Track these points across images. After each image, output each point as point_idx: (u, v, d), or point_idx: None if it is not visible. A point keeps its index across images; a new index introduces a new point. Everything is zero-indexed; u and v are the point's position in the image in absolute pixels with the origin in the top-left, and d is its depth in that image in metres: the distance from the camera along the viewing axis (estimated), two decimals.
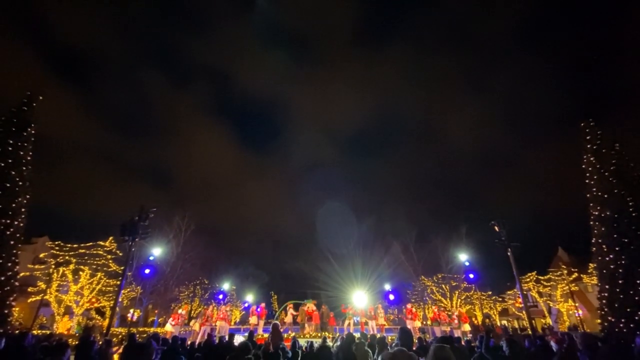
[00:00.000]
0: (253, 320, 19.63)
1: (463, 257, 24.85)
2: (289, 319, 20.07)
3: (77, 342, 9.25)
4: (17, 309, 18.67)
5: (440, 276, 33.45)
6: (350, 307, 20.20)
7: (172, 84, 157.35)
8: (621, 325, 14.27)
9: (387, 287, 30.02)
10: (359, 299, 24.10)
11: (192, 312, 30.34)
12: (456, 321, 19.99)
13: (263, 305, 20.81)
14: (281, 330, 18.72)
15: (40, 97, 16.95)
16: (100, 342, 9.01)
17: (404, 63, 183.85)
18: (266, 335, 14.63)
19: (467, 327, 19.55)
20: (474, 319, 30.57)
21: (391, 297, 25.61)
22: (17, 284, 15.07)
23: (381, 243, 43.90)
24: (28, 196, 15.55)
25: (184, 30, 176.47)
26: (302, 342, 12.21)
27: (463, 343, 10.80)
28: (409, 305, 20.91)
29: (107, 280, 23.56)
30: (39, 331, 19.09)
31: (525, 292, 30.58)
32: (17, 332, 11.31)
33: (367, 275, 47.30)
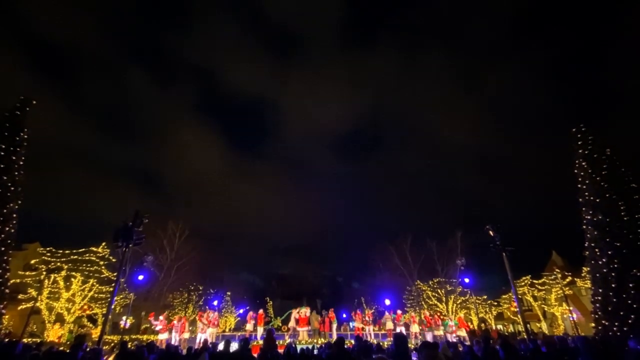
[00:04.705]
0: (249, 327, 19.39)
1: (458, 261, 24.89)
2: (292, 324, 19.67)
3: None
4: (7, 316, 18.30)
5: (436, 281, 33.49)
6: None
7: (158, 84, 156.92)
8: (615, 328, 14.37)
9: (383, 292, 30.01)
10: (357, 304, 23.98)
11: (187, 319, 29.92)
12: (450, 323, 20.00)
13: (261, 311, 20.54)
14: (288, 335, 18.56)
15: (34, 102, 16.82)
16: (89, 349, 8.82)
17: (396, 62, 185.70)
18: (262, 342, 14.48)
19: (463, 333, 19.50)
20: (469, 323, 30.52)
21: (387, 301, 25.57)
22: (7, 291, 14.80)
23: (377, 247, 43.99)
24: (20, 202, 15.34)
25: (169, 27, 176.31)
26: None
27: (460, 348, 10.76)
28: (399, 312, 20.86)
29: (100, 287, 23.19)
30: (29, 339, 18.70)
31: (520, 296, 30.73)
32: (6, 340, 11.07)
33: (363, 280, 47.26)
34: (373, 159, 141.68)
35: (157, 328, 17.12)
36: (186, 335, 18.18)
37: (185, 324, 18.11)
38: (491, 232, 13.77)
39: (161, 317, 17.39)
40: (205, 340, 14.30)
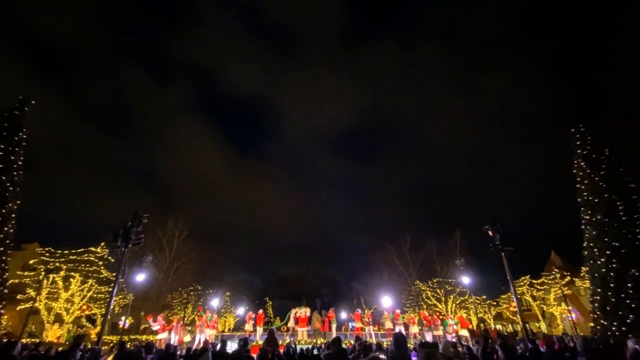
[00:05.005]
0: (248, 327, 19.32)
1: (458, 261, 24.95)
2: (292, 324, 19.62)
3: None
4: (5, 316, 18.26)
5: (435, 281, 33.50)
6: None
7: (158, 84, 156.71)
8: (613, 328, 14.39)
9: (383, 292, 30.03)
10: (356, 304, 23.97)
11: (186, 319, 29.91)
12: (450, 322, 20.00)
13: (261, 311, 20.50)
14: (288, 335, 18.52)
15: (33, 102, 16.80)
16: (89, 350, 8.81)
17: (395, 62, 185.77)
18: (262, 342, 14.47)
19: (465, 333, 19.45)
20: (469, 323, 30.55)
21: (386, 301, 25.51)
22: (6, 291, 14.77)
23: (376, 247, 44.03)
24: (18, 202, 15.31)
25: (169, 27, 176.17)
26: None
27: (460, 349, 10.79)
28: (397, 311, 20.85)
29: (99, 287, 23.13)
30: (28, 340, 18.66)
31: (519, 296, 30.75)
32: (5, 340, 11.05)
33: (363, 280, 47.27)
34: (372, 159, 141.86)
35: (155, 328, 17.11)
36: (187, 338, 18.15)
37: (183, 329, 18.08)
38: (490, 232, 13.80)
39: (159, 317, 17.39)
40: (206, 341, 14.32)
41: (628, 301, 14.35)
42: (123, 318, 23.47)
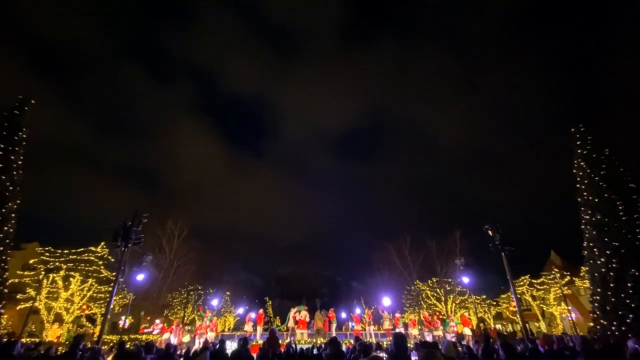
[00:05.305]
0: (248, 327, 19.28)
1: (458, 261, 24.94)
2: (291, 324, 19.62)
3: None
4: (5, 316, 18.24)
5: (435, 280, 33.49)
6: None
7: (158, 84, 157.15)
8: (613, 328, 14.39)
9: (383, 292, 30.04)
10: (355, 304, 23.96)
11: (186, 319, 29.91)
12: (451, 324, 20.00)
13: (261, 311, 20.49)
14: (287, 335, 18.50)
15: (33, 101, 16.81)
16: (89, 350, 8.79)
17: (394, 62, 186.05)
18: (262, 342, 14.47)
19: (467, 331, 19.42)
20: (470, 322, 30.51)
21: (387, 302, 25.51)
22: (6, 290, 14.78)
23: (376, 247, 44.04)
24: (18, 201, 15.32)
25: (168, 27, 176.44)
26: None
27: (460, 348, 10.79)
28: (397, 314, 20.81)
29: (99, 287, 23.13)
30: (28, 339, 18.65)
31: (518, 296, 30.75)
32: (5, 340, 11.06)
33: (363, 280, 47.30)
34: (372, 159, 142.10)
35: (155, 332, 17.18)
36: (186, 338, 18.19)
37: (182, 331, 18.11)
38: (490, 232, 13.80)
39: (157, 321, 17.43)
40: (206, 340, 14.33)
41: (628, 301, 14.33)
42: (123, 318, 23.47)
